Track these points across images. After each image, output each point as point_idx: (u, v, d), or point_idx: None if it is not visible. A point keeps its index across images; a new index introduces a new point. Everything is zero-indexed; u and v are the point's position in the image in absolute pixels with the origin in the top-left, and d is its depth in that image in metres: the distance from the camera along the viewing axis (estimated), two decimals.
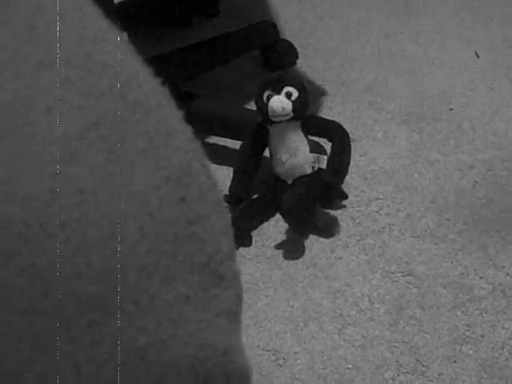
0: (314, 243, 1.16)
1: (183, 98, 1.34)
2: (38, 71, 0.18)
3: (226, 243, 0.23)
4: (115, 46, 0.21)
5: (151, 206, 0.19)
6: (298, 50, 1.54)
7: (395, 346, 1.00)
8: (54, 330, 0.16)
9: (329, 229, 1.17)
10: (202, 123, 1.33)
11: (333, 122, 1.17)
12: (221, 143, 1.34)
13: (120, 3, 1.69)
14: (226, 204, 1.20)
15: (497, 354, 0.98)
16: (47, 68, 0.18)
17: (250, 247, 1.16)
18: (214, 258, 0.21)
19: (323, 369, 0.98)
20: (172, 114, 0.22)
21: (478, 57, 1.52)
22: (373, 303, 1.06)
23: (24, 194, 0.16)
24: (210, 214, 0.22)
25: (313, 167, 1.16)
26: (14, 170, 0.16)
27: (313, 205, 1.16)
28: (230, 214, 0.24)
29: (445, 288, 1.07)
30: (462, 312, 1.04)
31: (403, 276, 1.10)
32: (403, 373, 0.97)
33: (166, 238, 0.19)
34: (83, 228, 0.17)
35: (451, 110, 1.39)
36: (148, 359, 0.17)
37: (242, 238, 1.15)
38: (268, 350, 1.01)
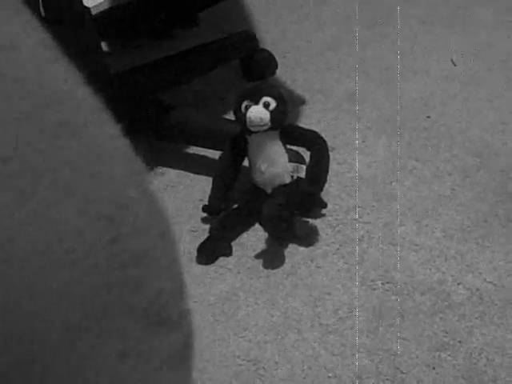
0: (293, 252, 1.16)
1: (162, 109, 1.34)
2: None
3: (172, 280, 0.20)
4: (32, 56, 0.18)
5: (77, 254, 0.17)
6: (278, 59, 1.56)
7: (375, 354, 1.01)
8: None
9: (308, 238, 1.18)
10: (181, 133, 1.33)
11: (311, 131, 1.18)
12: (200, 153, 1.35)
13: (100, 14, 1.69)
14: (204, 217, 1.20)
15: (475, 360, 0.99)
16: None
17: (230, 257, 1.16)
18: (156, 302, 0.19)
19: (304, 378, 0.99)
20: (105, 133, 0.19)
21: (455, 65, 1.54)
22: (352, 311, 1.07)
23: None
24: (151, 250, 0.19)
25: (292, 176, 1.17)
26: None
27: (292, 214, 1.17)
28: (176, 246, 0.21)
29: (423, 295, 1.08)
30: (441, 318, 1.05)
31: (382, 284, 1.10)
32: (383, 380, 0.98)
33: (97, 287, 0.17)
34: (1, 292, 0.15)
35: (428, 117, 1.40)
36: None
37: (222, 249, 1.16)
38: (248, 361, 1.01)
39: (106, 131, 0.19)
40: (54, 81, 0.18)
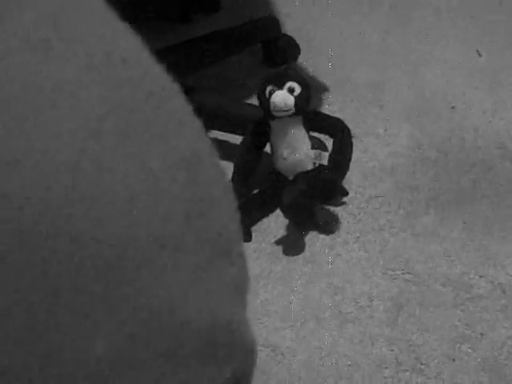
0: (314, 240, 1.15)
1: (184, 92, 1.33)
2: (64, 61, 0.20)
3: (234, 225, 0.24)
4: (131, 44, 0.23)
5: (164, 183, 0.20)
6: (300, 45, 1.54)
7: (394, 344, 1.00)
8: (73, 288, 0.17)
9: (329, 225, 1.17)
10: (203, 117, 1.32)
11: (334, 118, 1.17)
12: (221, 138, 1.34)
13: None
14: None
15: (496, 353, 0.98)
16: (71, 60, 0.20)
17: (250, 243, 1.15)
18: (222, 235, 0.22)
19: (322, 365, 0.98)
20: (182, 107, 0.24)
21: (480, 55, 1.52)
22: (372, 300, 1.06)
23: (50, 167, 0.17)
24: (219, 197, 0.23)
25: (314, 163, 1.15)
26: (40, 146, 0.18)
27: (313, 201, 1.15)
28: (235, 201, 0.25)
29: (444, 286, 1.07)
30: (462, 311, 1.04)
31: (403, 274, 1.09)
32: (402, 371, 0.97)
33: (177, 213, 0.20)
34: (102, 201, 0.18)
35: (453, 108, 1.39)
36: (162, 321, 0.18)
37: (242, 234, 1.15)
38: (266, 347, 1.01)
39: (184, 106, 0.24)
40: (145, 61, 0.24)
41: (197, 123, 0.24)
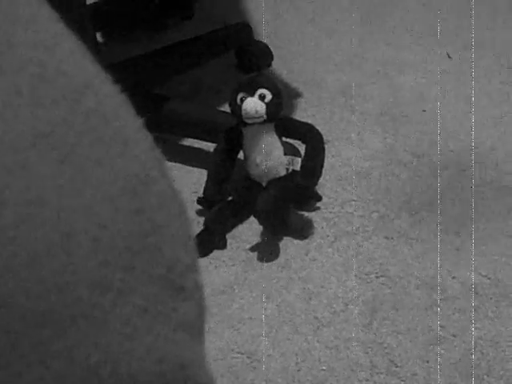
0: (288, 245, 1.16)
1: (156, 100, 1.33)
2: None
3: (187, 254, 0.22)
4: (69, 52, 0.21)
5: (104, 218, 0.18)
6: (273, 51, 1.54)
7: (369, 347, 1.01)
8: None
9: (303, 230, 1.17)
10: (176, 125, 1.32)
11: (306, 123, 1.18)
12: (195, 145, 1.34)
13: (94, 4, 1.68)
14: (199, 207, 1.20)
15: (469, 354, 0.99)
16: None
17: (225, 250, 1.16)
18: (173, 270, 0.20)
19: (297, 371, 0.98)
20: (130, 122, 0.21)
21: (450, 57, 1.54)
22: (347, 305, 1.06)
23: None
24: (170, 225, 0.21)
25: (287, 169, 1.16)
26: None
27: (287, 207, 1.16)
28: (191, 226, 0.23)
29: (418, 288, 1.08)
30: (435, 312, 1.05)
31: (377, 277, 1.10)
32: (377, 373, 0.98)
33: (120, 250, 0.18)
34: (31, 242, 0.16)
35: (424, 111, 1.40)
36: (102, 376, 0.17)
37: (217, 241, 1.15)
38: (242, 353, 1.01)
39: (132, 121, 0.22)
40: (88, 74, 0.21)
41: (146, 141, 0.22)
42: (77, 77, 0.20)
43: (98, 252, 0.18)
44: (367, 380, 0.97)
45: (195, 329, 0.21)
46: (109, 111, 0.21)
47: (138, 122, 0.22)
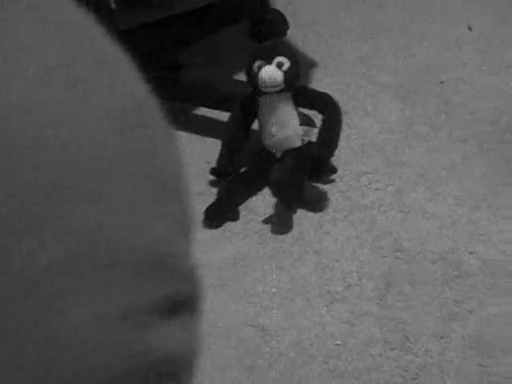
0: (302, 218, 1.14)
1: (169, 69, 1.31)
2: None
3: (178, 167, 0.21)
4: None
5: (112, 116, 0.19)
6: (289, 20, 1.51)
7: (383, 323, 0.99)
8: (12, 212, 0.16)
9: (317, 203, 1.15)
10: (190, 94, 1.30)
11: (324, 93, 1.15)
12: (209, 115, 1.32)
13: None
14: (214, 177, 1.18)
15: (484, 331, 0.98)
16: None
17: (238, 222, 1.14)
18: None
19: (310, 345, 0.97)
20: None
21: (471, 30, 1.50)
22: (361, 279, 1.05)
23: None
24: (164, 142, 0.21)
25: (302, 140, 1.14)
26: None
27: (302, 178, 1.14)
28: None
29: (434, 264, 1.06)
30: (451, 288, 1.03)
31: (392, 251, 1.08)
32: (390, 349, 0.96)
33: (123, 146, 0.19)
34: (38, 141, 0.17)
35: (442, 83, 1.37)
36: (96, 237, 0.17)
37: (230, 213, 1.13)
38: (255, 326, 1.00)
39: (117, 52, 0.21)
40: (78, 19, 0.21)
41: (134, 71, 0.22)
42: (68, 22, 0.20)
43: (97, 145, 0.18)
44: (380, 355, 0.96)
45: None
46: (114, 58, 0.21)
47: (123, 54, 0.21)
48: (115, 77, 0.20)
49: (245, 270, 1.07)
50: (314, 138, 1.14)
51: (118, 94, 0.19)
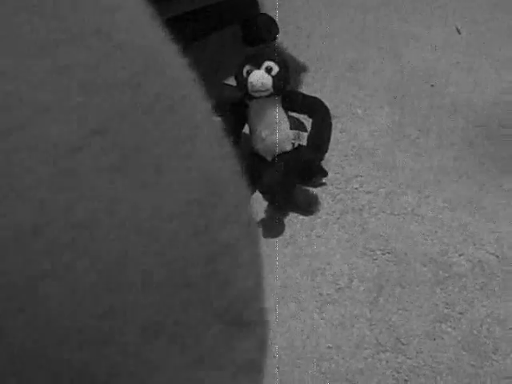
0: (293, 221, 1.14)
1: None
2: (36, 54, 0.14)
3: (253, 276, 0.18)
4: (134, 18, 0.17)
5: (162, 243, 0.14)
6: (279, 25, 1.52)
7: (374, 325, 1.00)
8: None
9: (309, 206, 1.16)
10: None
11: (314, 98, 1.16)
12: None
13: None
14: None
15: (475, 332, 0.98)
16: (47, 51, 0.14)
17: None
18: (237, 302, 0.17)
19: (303, 348, 0.98)
20: (199, 107, 0.17)
21: (460, 32, 1.51)
22: (352, 281, 1.05)
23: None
24: (237, 242, 0.17)
25: (293, 144, 1.14)
26: (18, 160, 0.13)
27: (293, 182, 1.14)
28: (259, 240, 0.19)
29: (424, 266, 1.07)
30: (442, 289, 1.04)
31: (383, 254, 1.09)
32: (382, 351, 0.97)
33: (177, 283, 0.15)
34: (71, 278, 0.13)
35: (432, 86, 1.38)
36: None
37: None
38: None
39: (200, 108, 0.17)
40: (154, 48, 0.16)
41: (216, 130, 0.17)
42: (139, 50, 0.16)
43: (149, 288, 0.14)
44: (373, 357, 0.96)
45: (255, 368, 0.17)
46: (177, 96, 0.16)
47: (207, 105, 0.18)
48: (183, 148, 0.16)
49: None
50: (304, 142, 1.14)
51: (184, 180, 0.16)
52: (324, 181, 1.19)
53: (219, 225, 0.16)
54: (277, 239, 1.12)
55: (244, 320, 0.17)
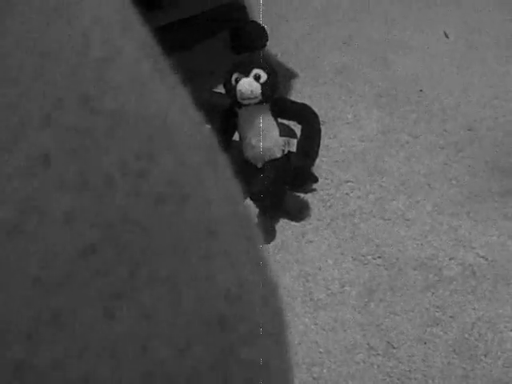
0: (284, 227, 1.15)
1: None
2: (1, 148, 0.11)
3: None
4: (131, 73, 0.13)
5: (179, 382, 0.12)
6: (268, 32, 1.52)
7: (366, 329, 1.00)
8: None
9: (299, 212, 1.16)
10: None
11: (303, 104, 1.16)
12: None
13: None
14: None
15: (466, 335, 0.99)
16: (16, 139, 0.11)
17: None
18: None
19: (295, 353, 0.98)
20: (221, 194, 0.14)
21: (447, 37, 1.52)
22: (343, 286, 1.06)
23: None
24: (267, 362, 0.14)
25: (283, 150, 1.15)
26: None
27: (283, 189, 1.15)
28: (291, 361, 0.16)
29: (415, 270, 1.07)
30: (432, 293, 1.04)
31: (374, 259, 1.09)
32: (374, 355, 0.97)
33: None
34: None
35: (421, 91, 1.39)
36: None
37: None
38: None
39: (222, 190, 0.14)
40: (160, 111, 0.13)
41: (243, 219, 0.14)
42: (143, 119, 0.12)
43: None
44: (364, 362, 0.96)
45: None
46: (190, 180, 0.13)
47: (229, 175, 0.14)
48: (199, 252, 0.13)
49: None
50: (294, 149, 1.15)
51: (201, 297, 0.13)
52: (314, 187, 1.20)
53: (245, 341, 0.14)
54: (268, 246, 1.12)
55: None
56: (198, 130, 0.14)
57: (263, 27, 1.52)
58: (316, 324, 1.01)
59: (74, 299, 0.11)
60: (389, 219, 1.15)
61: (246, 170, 1.15)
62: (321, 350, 0.98)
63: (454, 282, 1.05)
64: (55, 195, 0.11)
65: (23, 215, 0.11)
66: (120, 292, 0.12)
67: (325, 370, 0.95)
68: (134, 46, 0.13)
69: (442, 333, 0.99)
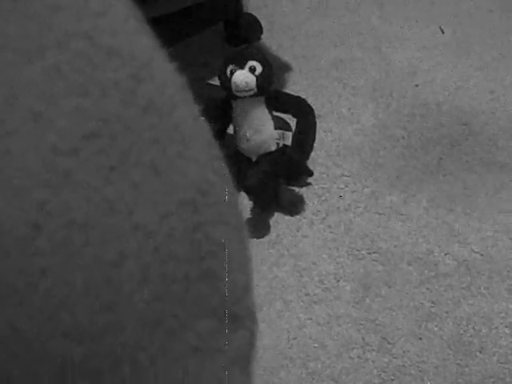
0: (279, 221, 1.14)
1: None
2: (23, 61, 0.14)
3: (244, 273, 0.19)
4: (122, 23, 0.17)
5: (157, 240, 0.15)
6: (263, 24, 1.51)
7: (361, 324, 0.99)
8: None
9: (294, 206, 1.15)
10: None
11: (298, 97, 1.15)
12: None
13: None
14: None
15: (462, 331, 0.98)
16: (35, 56, 0.15)
17: None
18: (229, 297, 0.18)
19: (289, 348, 0.97)
20: (189, 113, 0.18)
21: (443, 32, 1.52)
22: (338, 281, 1.05)
23: None
24: (228, 241, 0.18)
25: (277, 144, 1.14)
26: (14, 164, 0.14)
27: (277, 182, 1.14)
28: (248, 238, 0.19)
29: (410, 265, 1.07)
30: (428, 289, 1.03)
31: (369, 253, 1.09)
32: (369, 350, 0.97)
33: (173, 279, 0.16)
34: (68, 275, 0.13)
35: (416, 86, 1.38)
36: None
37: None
38: None
39: (191, 112, 0.18)
40: (143, 52, 0.17)
41: (205, 135, 0.18)
42: (132, 55, 0.16)
43: (146, 284, 0.15)
44: (359, 357, 0.96)
45: (245, 359, 0.19)
46: (167, 101, 0.17)
47: (196, 109, 0.19)
48: (174, 150, 0.17)
49: None
50: (289, 142, 1.14)
51: (176, 182, 0.17)
52: (309, 180, 1.19)
53: (211, 224, 0.17)
54: (263, 240, 1.11)
55: (235, 314, 0.18)
56: (167, 62, 0.18)
57: (258, 19, 1.51)
58: (311, 319, 1.00)
59: (81, 164, 0.14)
60: (384, 214, 1.15)
61: (240, 163, 1.14)
62: (316, 344, 0.97)
63: (449, 278, 1.05)
64: (65, 98, 0.15)
65: (48, 106, 0.15)
66: (114, 166, 0.15)
67: (319, 365, 0.95)
68: (123, 4, 0.17)
69: (437, 328, 0.99)
